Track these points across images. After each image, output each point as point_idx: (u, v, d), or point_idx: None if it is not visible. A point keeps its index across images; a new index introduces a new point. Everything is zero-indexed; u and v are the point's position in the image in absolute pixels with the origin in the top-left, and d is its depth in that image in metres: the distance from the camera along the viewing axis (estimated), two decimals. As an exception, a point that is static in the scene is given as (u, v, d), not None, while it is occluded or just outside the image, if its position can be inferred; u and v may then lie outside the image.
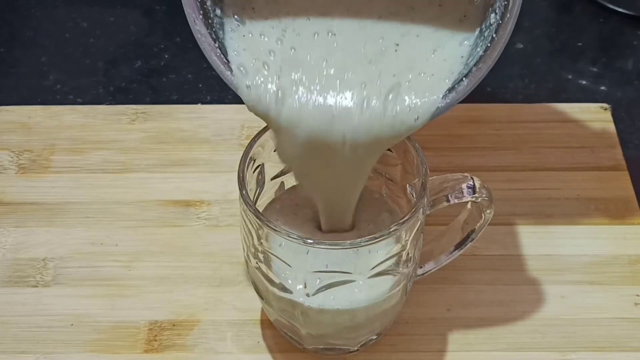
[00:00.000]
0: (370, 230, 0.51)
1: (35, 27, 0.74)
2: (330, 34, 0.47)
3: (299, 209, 0.53)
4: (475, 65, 0.44)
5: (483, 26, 0.45)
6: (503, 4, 0.43)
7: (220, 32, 0.46)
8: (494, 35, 0.43)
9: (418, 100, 0.45)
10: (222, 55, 0.46)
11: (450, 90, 0.45)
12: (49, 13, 0.75)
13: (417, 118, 0.45)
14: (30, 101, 0.68)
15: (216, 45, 0.46)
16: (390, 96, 0.45)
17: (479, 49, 0.44)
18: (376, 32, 0.47)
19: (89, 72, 0.71)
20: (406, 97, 0.45)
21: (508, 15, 0.43)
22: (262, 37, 0.47)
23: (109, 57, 0.72)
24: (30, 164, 0.63)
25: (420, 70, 0.46)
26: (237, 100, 0.68)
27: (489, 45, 0.44)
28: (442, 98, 0.45)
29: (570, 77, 0.71)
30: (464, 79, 0.44)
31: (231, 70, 0.46)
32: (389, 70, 0.46)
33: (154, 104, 0.67)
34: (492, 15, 0.44)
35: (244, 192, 0.48)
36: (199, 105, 0.68)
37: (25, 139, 0.64)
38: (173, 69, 0.71)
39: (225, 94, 0.69)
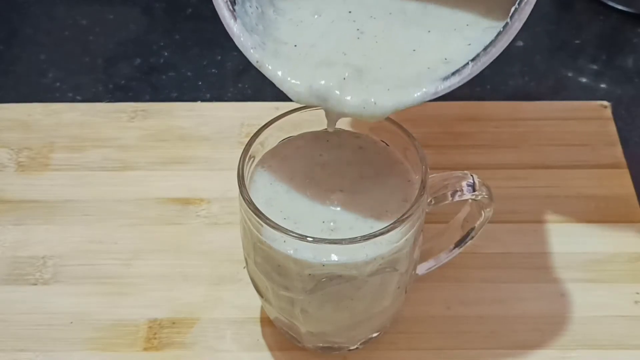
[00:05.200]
0: None
1: (35, 24, 0.74)
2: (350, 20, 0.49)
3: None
4: (484, 49, 0.44)
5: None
6: None
7: None
8: (509, 21, 0.43)
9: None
10: (229, 3, 0.46)
11: (454, 73, 0.45)
12: (49, 11, 0.75)
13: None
14: (30, 99, 0.68)
15: None
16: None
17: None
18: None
19: (89, 70, 0.71)
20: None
21: (525, 0, 0.43)
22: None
23: (109, 54, 0.72)
24: (30, 162, 0.63)
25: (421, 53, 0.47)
26: (236, 98, 0.69)
27: (501, 30, 0.43)
28: (444, 80, 0.45)
29: (570, 74, 0.71)
30: (469, 62, 0.44)
31: (235, 19, 0.46)
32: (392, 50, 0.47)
33: (153, 102, 0.67)
34: None
35: (243, 190, 0.48)
36: (199, 103, 0.68)
37: (24, 136, 0.64)
38: (172, 67, 0.71)
39: (224, 92, 0.69)
